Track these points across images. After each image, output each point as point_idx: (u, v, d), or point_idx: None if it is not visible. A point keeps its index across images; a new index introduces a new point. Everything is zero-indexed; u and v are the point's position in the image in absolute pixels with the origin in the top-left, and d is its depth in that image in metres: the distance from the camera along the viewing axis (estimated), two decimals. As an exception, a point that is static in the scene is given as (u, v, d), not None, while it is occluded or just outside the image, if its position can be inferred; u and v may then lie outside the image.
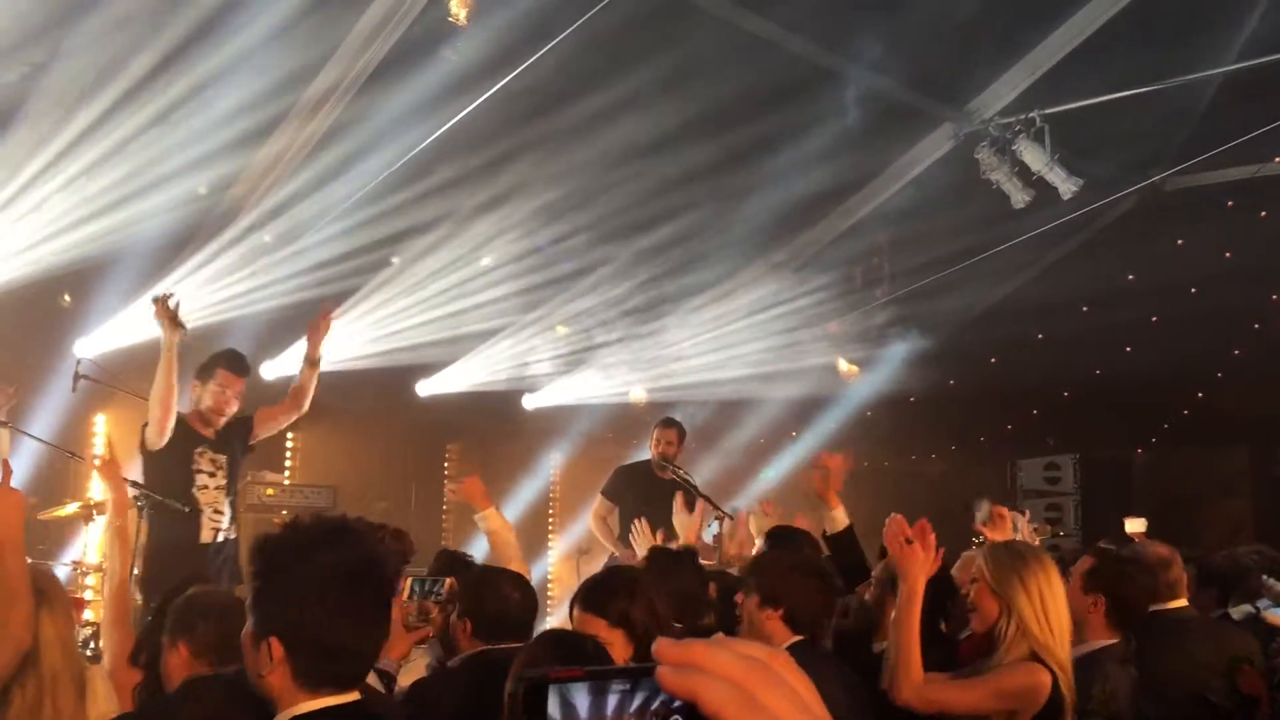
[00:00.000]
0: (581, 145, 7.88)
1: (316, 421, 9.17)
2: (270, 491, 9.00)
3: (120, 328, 7.91)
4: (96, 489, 7.67)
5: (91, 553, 6.47)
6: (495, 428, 10.88)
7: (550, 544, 11.62)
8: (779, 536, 4.65)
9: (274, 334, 8.32)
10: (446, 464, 11.17)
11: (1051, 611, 3.24)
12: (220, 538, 5.73)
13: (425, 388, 10.34)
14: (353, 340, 9.20)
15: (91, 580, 6.37)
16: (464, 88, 6.97)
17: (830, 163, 8.26)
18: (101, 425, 8.47)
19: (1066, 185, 8.17)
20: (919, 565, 3.23)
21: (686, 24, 7.10)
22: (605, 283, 10.05)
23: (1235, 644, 4.19)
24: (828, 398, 11.66)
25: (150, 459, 5.66)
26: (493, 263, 9.45)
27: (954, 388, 11.73)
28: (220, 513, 5.75)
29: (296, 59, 6.77)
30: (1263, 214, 9.60)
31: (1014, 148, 8.21)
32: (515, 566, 4.30)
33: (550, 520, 11.71)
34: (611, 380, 11.19)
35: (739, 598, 3.62)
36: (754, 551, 4.76)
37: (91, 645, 5.72)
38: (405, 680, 3.43)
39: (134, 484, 5.20)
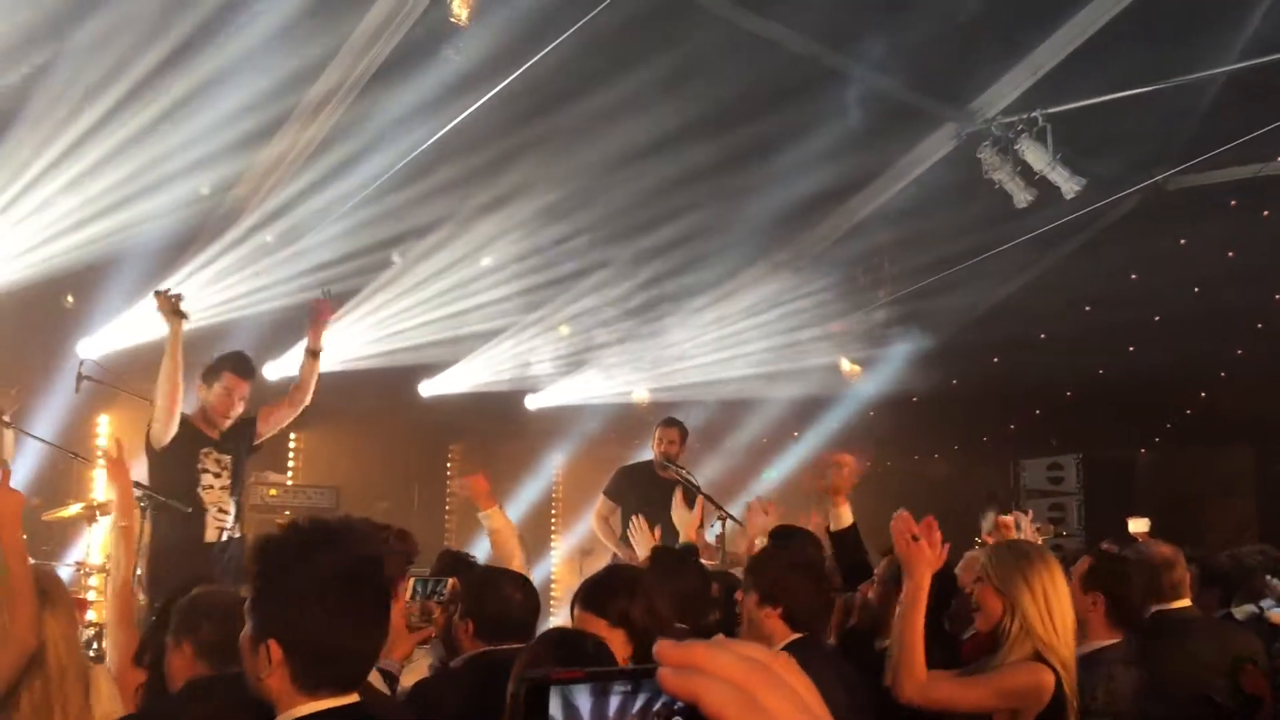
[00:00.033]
0: (583, 145, 7.88)
1: (319, 422, 9.19)
2: (273, 492, 9.01)
3: (123, 328, 7.92)
4: (100, 490, 7.69)
5: (95, 553, 6.48)
6: (498, 428, 10.88)
7: (553, 544, 11.62)
8: (781, 536, 4.65)
9: (277, 334, 8.33)
10: (449, 464, 11.18)
11: (1055, 611, 3.24)
12: (225, 537, 5.75)
13: (428, 388, 10.35)
14: (355, 341, 9.21)
15: (95, 581, 6.38)
16: (466, 88, 6.97)
17: (832, 163, 8.26)
18: (104, 426, 8.48)
19: (1069, 185, 8.16)
20: (925, 562, 3.23)
21: (688, 24, 7.10)
22: (607, 283, 10.05)
23: (1239, 644, 4.19)
24: (830, 398, 11.67)
25: (156, 459, 5.68)
26: (495, 263, 9.46)
27: (956, 387, 11.72)
28: (225, 512, 5.77)
29: (299, 59, 6.78)
30: (1265, 213, 9.59)
31: (1016, 147, 8.20)
32: (516, 566, 4.30)
33: (553, 521, 11.72)
34: (614, 380, 11.20)
35: (738, 595, 3.62)
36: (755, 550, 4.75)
37: (95, 646, 5.73)
38: (408, 680, 3.43)
39: (137, 484, 5.20)
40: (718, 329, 10.90)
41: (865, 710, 3.33)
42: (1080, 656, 3.35)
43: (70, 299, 8.24)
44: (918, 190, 9.25)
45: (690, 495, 6.00)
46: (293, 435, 9.80)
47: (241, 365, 5.89)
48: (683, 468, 6.97)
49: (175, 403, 5.58)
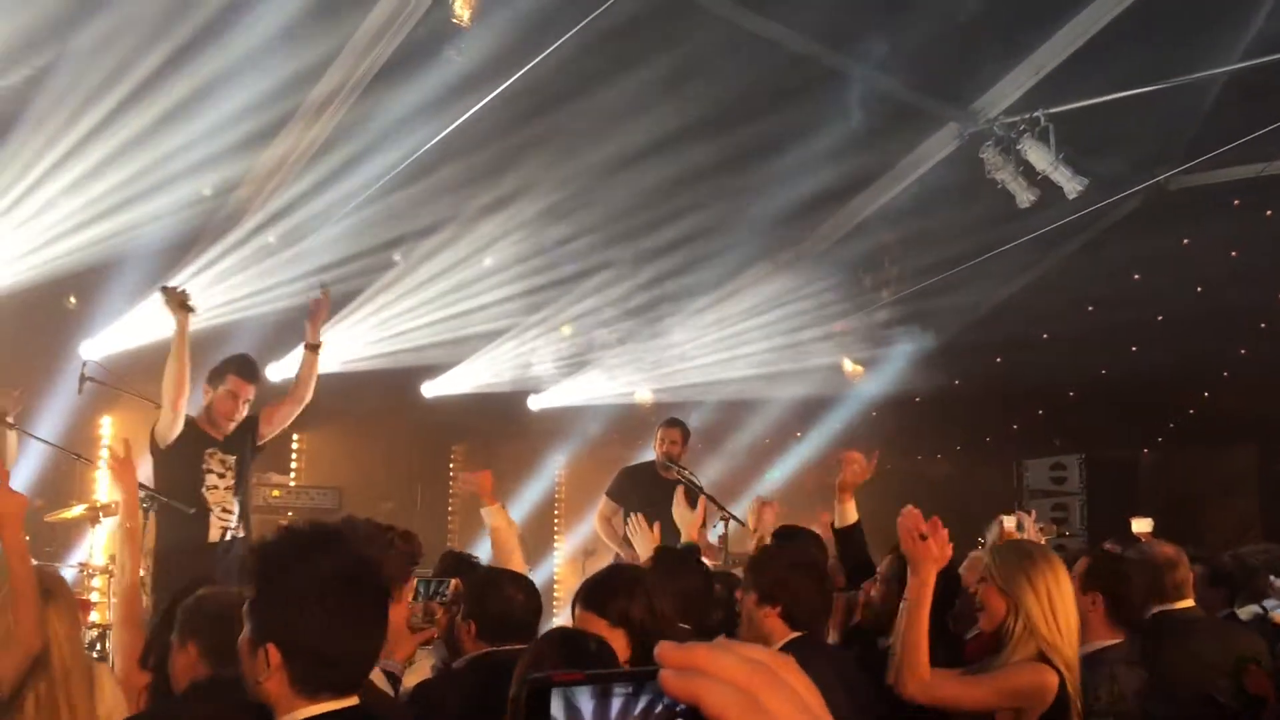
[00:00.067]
0: (585, 146, 7.88)
1: (322, 423, 9.20)
2: (276, 493, 9.01)
3: (126, 330, 7.93)
4: (103, 491, 7.70)
5: (98, 554, 6.49)
6: (500, 429, 10.88)
7: (556, 545, 11.62)
8: (784, 536, 4.65)
9: (279, 335, 8.33)
10: (451, 465, 11.18)
11: (1059, 611, 3.24)
12: (228, 536, 5.77)
13: (430, 389, 10.35)
14: (358, 341, 9.22)
15: (98, 582, 6.39)
16: (468, 89, 6.98)
17: (835, 163, 8.26)
18: (107, 427, 8.49)
19: (1071, 185, 8.15)
20: (931, 560, 3.22)
21: (689, 24, 7.10)
22: (610, 283, 10.05)
23: (1242, 644, 4.18)
24: (833, 398, 11.66)
25: (161, 459, 5.71)
26: (497, 263, 9.46)
27: (959, 388, 11.72)
28: (229, 512, 5.79)
29: (301, 61, 6.78)
30: (1268, 213, 9.59)
31: (1019, 147, 8.20)
32: (515, 565, 4.31)
33: (555, 521, 11.71)
34: (616, 381, 11.20)
35: (739, 594, 3.62)
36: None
37: (98, 647, 5.73)
38: (410, 681, 3.43)
39: (141, 485, 5.21)
40: (720, 329, 10.90)
41: (867, 709, 3.33)
42: (1082, 656, 3.35)
43: (73, 300, 8.25)
44: (920, 190, 9.25)
45: (692, 495, 5.99)
46: (295, 436, 9.81)
47: (246, 368, 5.91)
48: (685, 468, 6.97)
49: (181, 397, 5.61)
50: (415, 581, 3.46)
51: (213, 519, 5.71)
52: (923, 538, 3.21)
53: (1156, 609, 4.27)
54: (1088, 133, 8.33)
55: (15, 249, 7.37)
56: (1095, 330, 10.84)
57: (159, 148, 6.98)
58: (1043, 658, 3.20)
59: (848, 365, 11.70)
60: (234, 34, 6.33)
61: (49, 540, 7.22)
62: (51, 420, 7.11)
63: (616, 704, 0.75)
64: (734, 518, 6.20)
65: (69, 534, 7.35)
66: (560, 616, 9.49)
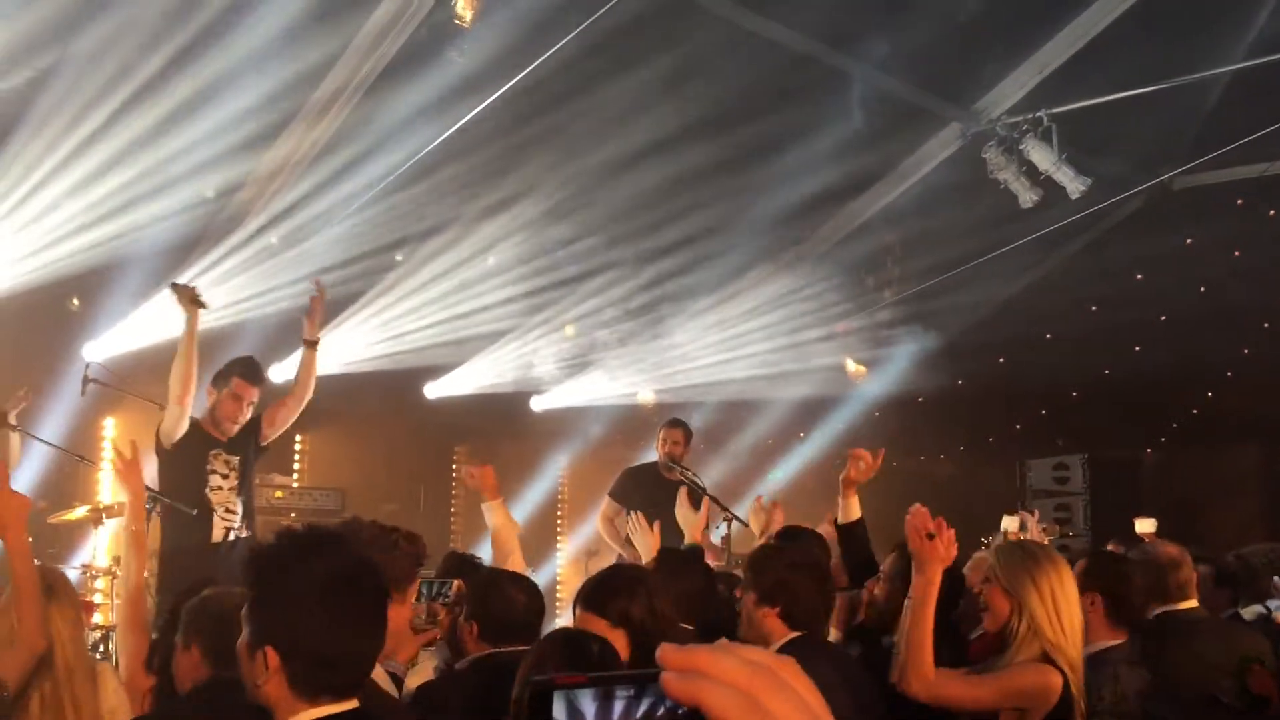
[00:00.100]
0: (588, 147, 7.89)
1: (324, 424, 9.20)
2: (279, 494, 9.01)
3: (129, 331, 7.94)
4: (106, 492, 7.71)
5: (101, 556, 6.49)
6: (503, 430, 10.88)
7: (559, 546, 11.61)
8: (787, 537, 4.65)
9: (282, 337, 8.33)
10: (454, 466, 11.18)
11: (1063, 612, 3.23)
12: (232, 536, 5.79)
13: (433, 390, 10.36)
14: (360, 343, 9.22)
15: (101, 584, 6.39)
16: (470, 90, 6.98)
17: (837, 163, 8.26)
18: (110, 429, 8.49)
19: (1074, 184, 8.15)
20: (938, 559, 3.22)
21: (691, 24, 7.10)
22: (612, 284, 10.05)
23: (1245, 644, 4.17)
24: (835, 398, 11.66)
25: (166, 459, 5.72)
26: (499, 264, 9.46)
27: (962, 388, 11.71)
28: (232, 512, 5.80)
29: (303, 62, 6.79)
30: (1271, 212, 9.57)
31: (1021, 147, 8.19)
32: (514, 561, 4.30)
33: (558, 522, 11.71)
34: (619, 382, 11.20)
35: (738, 593, 3.62)
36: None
37: (101, 649, 5.74)
38: (413, 682, 3.43)
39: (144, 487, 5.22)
40: (722, 330, 10.90)
41: (870, 708, 3.33)
42: (1085, 657, 3.35)
43: (76, 302, 8.25)
44: (922, 190, 9.24)
45: (696, 497, 5.99)
46: (298, 437, 9.81)
47: (250, 371, 5.93)
48: (688, 469, 6.97)
49: (187, 393, 5.63)
50: (418, 582, 3.46)
51: (216, 519, 5.74)
52: (930, 537, 3.21)
53: (1160, 609, 4.26)
54: (1090, 132, 8.32)
55: (18, 251, 7.38)
56: (1098, 330, 10.83)
57: (161, 149, 6.99)
58: (1047, 659, 3.20)
59: (850, 366, 11.69)
60: (236, 36, 6.34)
61: (52, 542, 7.22)
62: (54, 422, 7.11)
63: (619, 706, 0.75)
64: (737, 518, 6.19)
65: (72, 536, 7.35)
66: (563, 617, 9.49)
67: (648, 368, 11.21)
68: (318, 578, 2.02)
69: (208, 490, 5.74)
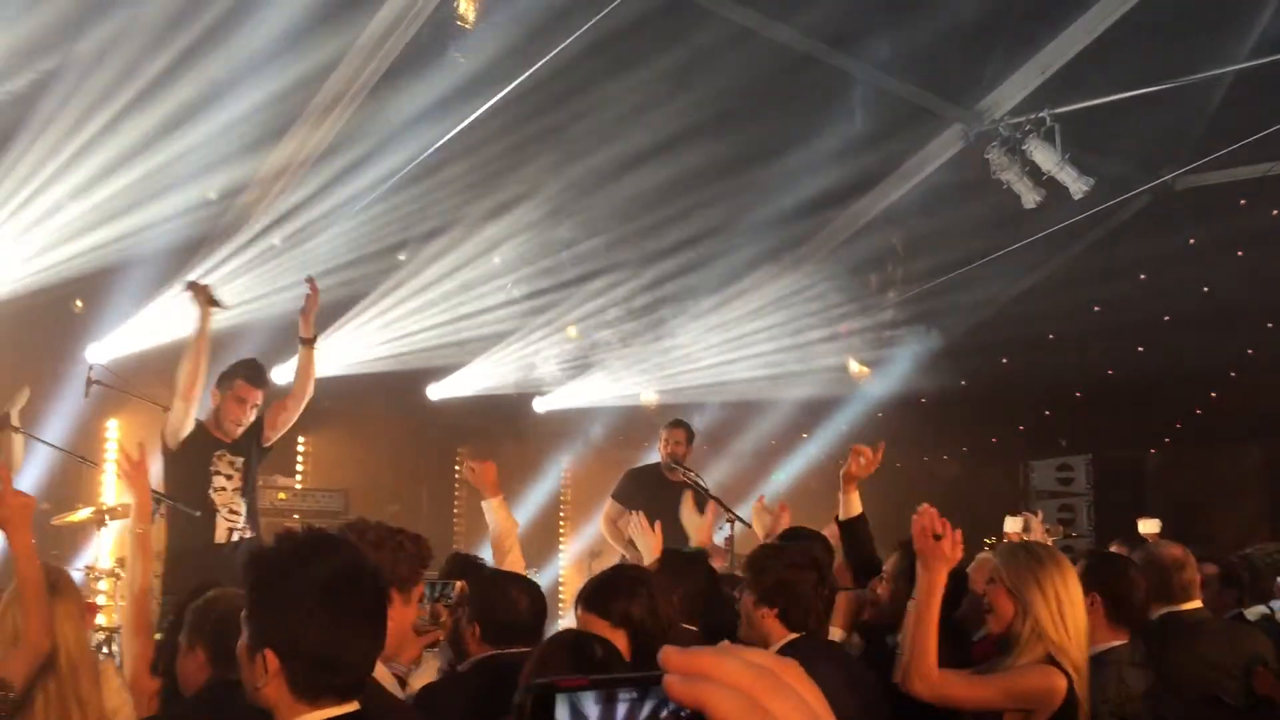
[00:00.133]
0: (590, 148, 7.88)
1: (327, 425, 9.21)
2: (283, 495, 9.01)
3: (132, 333, 7.94)
4: (109, 494, 7.71)
5: (104, 557, 6.50)
6: (505, 431, 10.89)
7: (561, 547, 11.61)
8: (789, 538, 4.64)
9: (285, 338, 8.33)
10: (457, 467, 11.18)
11: (1068, 613, 3.23)
12: (236, 537, 5.80)
13: (436, 391, 10.36)
14: (363, 344, 9.22)
15: (104, 585, 6.40)
16: (472, 91, 6.98)
17: (840, 163, 8.26)
18: (114, 431, 8.50)
19: (1077, 185, 8.14)
20: (943, 559, 3.22)
21: (694, 25, 7.10)
22: (615, 285, 10.05)
23: (1249, 645, 4.17)
24: (839, 399, 11.65)
25: (170, 460, 5.74)
26: (502, 265, 9.46)
27: (965, 388, 11.70)
28: (236, 513, 5.81)
29: (306, 64, 6.79)
30: (1275, 212, 9.56)
31: (1025, 147, 8.19)
32: (512, 560, 4.30)
33: (561, 524, 11.70)
34: (622, 383, 11.19)
35: (738, 593, 3.62)
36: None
37: (104, 650, 5.74)
38: (416, 684, 3.43)
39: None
40: (725, 330, 10.90)
41: (873, 707, 3.32)
42: (1089, 657, 3.34)
43: (79, 304, 8.26)
44: (925, 191, 9.24)
45: (701, 499, 5.99)
46: (301, 438, 9.82)
47: (254, 374, 5.94)
48: (690, 469, 6.97)
49: (194, 389, 5.64)
50: (421, 584, 3.46)
51: (220, 520, 5.74)
52: (937, 537, 3.21)
53: (1164, 610, 4.24)
54: (1094, 133, 8.32)
55: (22, 253, 7.38)
56: (1102, 330, 10.82)
57: (165, 151, 7.00)
58: (1051, 660, 3.19)
59: (854, 366, 11.68)
60: (239, 38, 6.34)
61: (56, 543, 7.22)
62: (58, 423, 7.12)
63: (621, 709, 0.75)
64: (740, 519, 6.19)
65: (75, 537, 7.36)
66: (565, 619, 9.49)
67: (650, 369, 11.20)
68: (316, 580, 2.02)
69: (212, 491, 5.75)
